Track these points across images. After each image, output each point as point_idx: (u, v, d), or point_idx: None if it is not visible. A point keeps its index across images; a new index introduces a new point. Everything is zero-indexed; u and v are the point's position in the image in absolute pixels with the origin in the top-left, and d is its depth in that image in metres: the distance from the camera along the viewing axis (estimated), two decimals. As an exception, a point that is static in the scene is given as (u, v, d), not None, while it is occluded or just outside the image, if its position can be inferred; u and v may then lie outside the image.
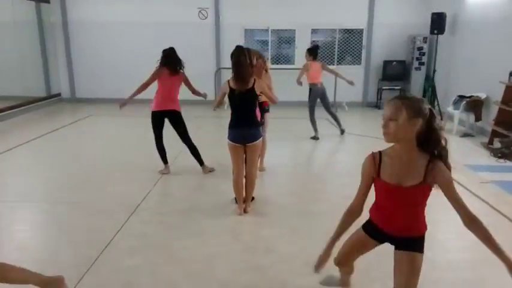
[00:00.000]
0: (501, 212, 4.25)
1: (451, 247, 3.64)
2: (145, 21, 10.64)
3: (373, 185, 2.12)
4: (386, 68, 10.63)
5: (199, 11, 10.73)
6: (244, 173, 4.36)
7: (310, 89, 7.53)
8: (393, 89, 10.64)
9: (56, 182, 5.25)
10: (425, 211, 2.11)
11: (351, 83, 7.68)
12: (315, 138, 7.47)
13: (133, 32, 10.69)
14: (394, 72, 10.64)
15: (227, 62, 10.61)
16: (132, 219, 4.08)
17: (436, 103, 9.29)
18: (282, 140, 7.35)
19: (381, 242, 2.24)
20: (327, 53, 11.00)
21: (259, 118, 4.44)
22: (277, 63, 11.12)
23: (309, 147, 7.18)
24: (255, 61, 4.79)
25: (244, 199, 4.31)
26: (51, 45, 11.09)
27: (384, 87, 10.70)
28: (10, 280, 2.48)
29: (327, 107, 7.59)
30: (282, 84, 10.18)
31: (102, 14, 10.72)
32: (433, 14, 9.19)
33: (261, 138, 4.22)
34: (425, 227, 2.13)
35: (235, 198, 4.33)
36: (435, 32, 9.15)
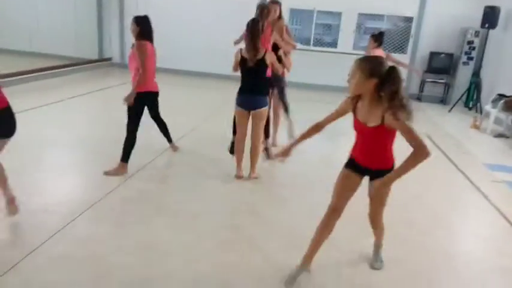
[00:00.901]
0: (500, 210, 4.17)
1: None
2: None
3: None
4: (433, 60, 10.24)
5: (248, -12, 10.85)
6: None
7: None
8: (437, 82, 10.31)
9: (78, 136, 5.72)
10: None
11: (417, 72, 7.46)
12: None
13: (187, 5, 10.98)
14: (441, 65, 10.23)
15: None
16: (135, 177, 4.35)
17: (478, 100, 8.92)
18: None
19: (361, 174, 2.67)
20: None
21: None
22: (320, 46, 11.09)
23: (338, 134, 7.16)
24: (277, 13, 5.10)
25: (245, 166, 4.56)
26: (107, 11, 11.70)
27: (428, 80, 10.36)
28: None
29: None
30: (324, 67, 10.28)
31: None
32: (486, 7, 8.75)
33: (266, 107, 4.42)
34: (392, 161, 2.56)
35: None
36: (486, 25, 8.73)
